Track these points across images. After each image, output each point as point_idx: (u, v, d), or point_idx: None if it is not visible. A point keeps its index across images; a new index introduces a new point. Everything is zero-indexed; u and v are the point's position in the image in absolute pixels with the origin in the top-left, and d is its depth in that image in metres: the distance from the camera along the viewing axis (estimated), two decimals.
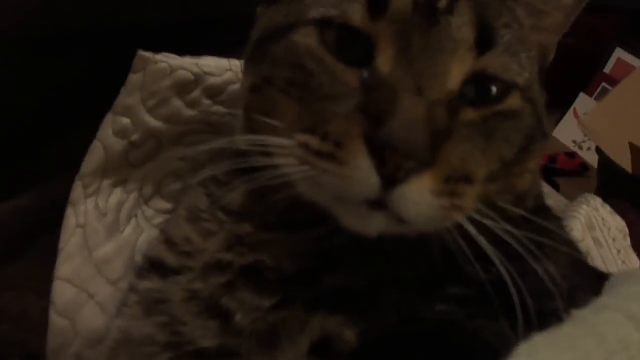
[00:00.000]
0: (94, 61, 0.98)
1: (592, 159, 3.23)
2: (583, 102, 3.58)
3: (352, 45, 0.67)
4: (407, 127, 0.58)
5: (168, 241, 0.82)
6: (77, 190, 0.87)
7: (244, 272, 0.73)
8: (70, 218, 0.86)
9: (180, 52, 0.93)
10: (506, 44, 0.69)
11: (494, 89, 0.69)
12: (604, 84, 3.62)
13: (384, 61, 0.65)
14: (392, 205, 0.60)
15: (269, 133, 0.67)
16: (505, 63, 0.69)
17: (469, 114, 0.67)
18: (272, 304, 0.69)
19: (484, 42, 0.67)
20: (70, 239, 0.85)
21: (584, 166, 3.41)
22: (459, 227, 0.64)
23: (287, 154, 0.64)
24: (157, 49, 0.90)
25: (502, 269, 0.61)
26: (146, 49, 0.89)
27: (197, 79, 0.92)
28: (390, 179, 0.59)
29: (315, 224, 0.72)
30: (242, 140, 0.72)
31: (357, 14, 0.66)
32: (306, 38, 0.68)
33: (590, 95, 3.58)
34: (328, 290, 0.68)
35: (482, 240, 0.63)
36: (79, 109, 0.94)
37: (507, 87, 0.70)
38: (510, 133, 0.71)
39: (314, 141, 0.62)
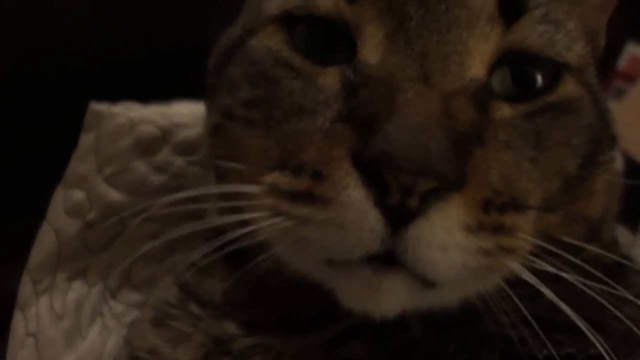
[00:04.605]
0: (39, 118, 0.91)
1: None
2: None
3: (327, 39, 0.55)
4: (413, 128, 0.44)
5: (131, 357, 0.68)
6: (25, 288, 0.75)
7: None
8: (19, 325, 0.74)
9: (148, 97, 0.81)
10: (543, 7, 0.55)
11: (537, 73, 0.55)
12: (617, 81, 3.49)
13: (371, 50, 0.52)
14: (409, 258, 0.45)
15: (235, 181, 0.55)
16: (546, 33, 0.55)
17: (505, 110, 0.53)
18: None
19: (512, 8, 0.54)
20: (19, 353, 0.73)
21: None
22: (517, 286, 0.49)
23: (255, 204, 0.51)
24: (119, 96, 0.79)
25: None
26: (106, 96, 0.78)
27: (165, 134, 0.80)
28: (399, 214, 0.44)
29: (326, 318, 0.57)
30: (200, 192, 0.61)
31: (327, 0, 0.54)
32: (266, 40, 0.57)
33: (605, 95, 3.46)
34: None
35: (567, 309, 0.48)
36: (24, 182, 0.87)
37: (555, 69, 0.56)
38: (570, 134, 0.56)
39: (284, 180, 0.50)
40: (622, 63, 3.38)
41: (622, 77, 3.29)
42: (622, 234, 1.13)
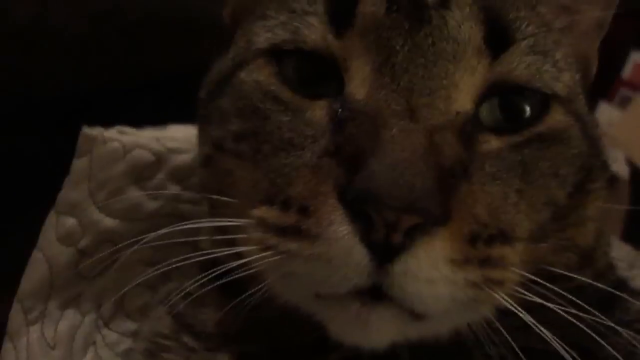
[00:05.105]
0: (32, 143, 0.90)
1: (620, 171, 3.12)
2: (604, 111, 3.45)
3: (315, 72, 0.55)
4: (397, 165, 0.44)
5: None
6: (16, 316, 0.73)
7: None
8: (9, 355, 0.72)
9: (142, 118, 0.80)
10: (530, 37, 0.55)
11: (525, 104, 0.55)
12: (623, 90, 3.49)
13: (358, 85, 0.52)
14: (396, 292, 0.46)
15: (226, 213, 0.55)
16: (533, 64, 0.55)
17: (492, 142, 0.53)
18: None
19: (498, 39, 0.54)
20: None
21: (613, 178, 3.30)
22: (509, 316, 0.49)
23: (245, 238, 0.52)
24: (113, 117, 0.78)
25: None
26: (100, 118, 0.76)
27: (159, 159, 0.79)
28: (384, 249, 0.44)
29: (319, 349, 0.56)
30: (193, 225, 0.60)
31: (315, 33, 0.54)
32: (255, 73, 0.57)
33: (611, 104, 3.44)
34: None
35: (551, 338, 0.47)
36: (15, 207, 0.86)
37: (543, 99, 0.56)
38: (558, 164, 0.56)
39: (272, 214, 0.50)
40: (627, 72, 3.40)
41: (627, 85, 3.30)
42: (625, 252, 1.11)
